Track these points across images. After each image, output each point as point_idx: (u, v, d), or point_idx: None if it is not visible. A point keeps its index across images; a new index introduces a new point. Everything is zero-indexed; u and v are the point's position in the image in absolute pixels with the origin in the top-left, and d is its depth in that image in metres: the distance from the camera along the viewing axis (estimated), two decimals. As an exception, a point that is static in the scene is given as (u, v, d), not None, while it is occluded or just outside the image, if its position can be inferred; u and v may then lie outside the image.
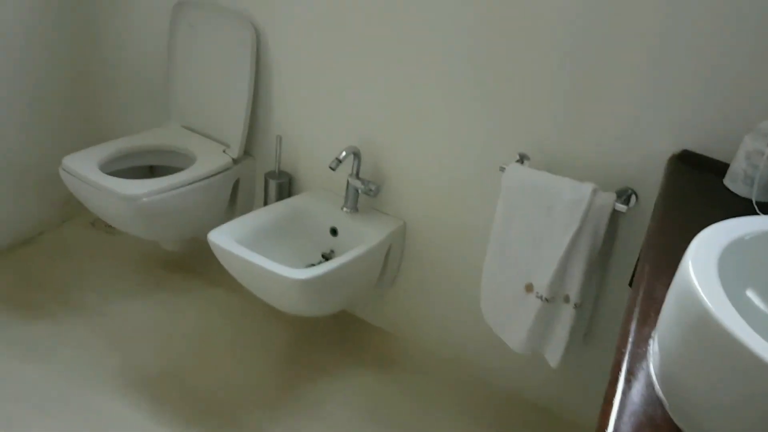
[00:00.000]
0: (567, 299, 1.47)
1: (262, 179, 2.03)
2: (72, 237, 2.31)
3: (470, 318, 1.80)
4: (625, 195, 1.41)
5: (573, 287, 1.46)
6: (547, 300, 1.48)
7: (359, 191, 1.80)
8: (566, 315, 1.48)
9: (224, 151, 1.99)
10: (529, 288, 1.52)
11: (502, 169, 1.52)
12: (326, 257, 1.84)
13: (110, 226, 2.17)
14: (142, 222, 1.82)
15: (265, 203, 2.00)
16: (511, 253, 1.54)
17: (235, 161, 1.99)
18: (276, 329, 1.98)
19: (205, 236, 1.63)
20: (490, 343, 1.76)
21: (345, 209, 1.83)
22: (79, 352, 1.81)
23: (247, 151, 2.05)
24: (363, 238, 1.74)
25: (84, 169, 1.80)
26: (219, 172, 1.94)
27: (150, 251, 2.25)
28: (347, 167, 1.79)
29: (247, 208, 2.11)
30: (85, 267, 2.16)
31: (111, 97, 2.34)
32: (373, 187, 1.77)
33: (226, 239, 1.61)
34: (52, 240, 2.28)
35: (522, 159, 1.54)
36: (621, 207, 1.38)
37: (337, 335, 2.00)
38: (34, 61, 2.09)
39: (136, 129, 2.19)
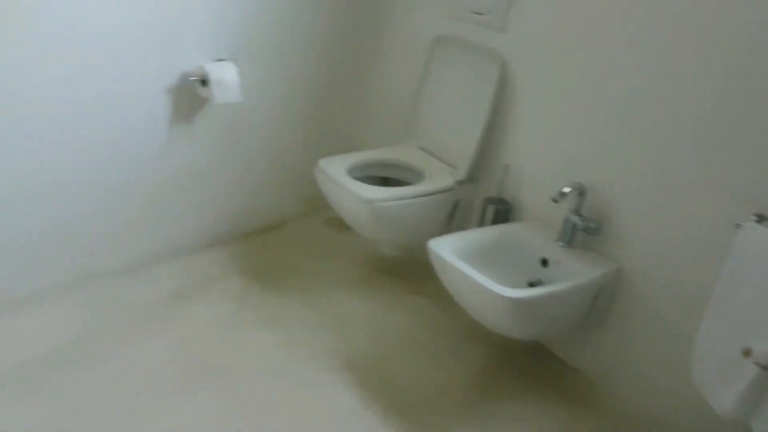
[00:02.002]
0: (793, 374, 1.36)
1: (481, 202, 2.16)
2: (309, 230, 2.68)
3: (675, 377, 1.72)
4: None
5: (803, 363, 1.34)
6: (766, 368, 1.38)
7: (577, 228, 1.83)
8: (790, 391, 1.37)
9: (451, 174, 2.17)
10: (747, 353, 1.42)
11: (738, 227, 1.46)
12: (533, 286, 1.89)
13: (343, 226, 2.46)
14: (373, 223, 2.06)
15: (480, 225, 2.13)
16: (734, 314, 1.46)
17: (459, 183, 2.15)
18: (471, 346, 2.08)
19: (420, 247, 1.79)
20: (691, 407, 1.67)
21: (560, 243, 1.87)
22: (302, 327, 2.08)
23: (472, 175, 2.20)
24: (574, 273, 1.77)
25: (335, 172, 2.09)
26: (442, 191, 2.13)
27: (370, 254, 2.51)
28: (567, 202, 1.84)
29: (462, 228, 2.26)
30: (316, 256, 2.49)
31: (362, 114, 2.67)
32: (592, 226, 1.79)
33: (445, 249, 1.75)
34: (293, 230, 2.67)
35: (761, 219, 1.46)
36: None
37: (530, 366, 2.04)
38: (310, 73, 2.47)
39: (379, 144, 2.47)
